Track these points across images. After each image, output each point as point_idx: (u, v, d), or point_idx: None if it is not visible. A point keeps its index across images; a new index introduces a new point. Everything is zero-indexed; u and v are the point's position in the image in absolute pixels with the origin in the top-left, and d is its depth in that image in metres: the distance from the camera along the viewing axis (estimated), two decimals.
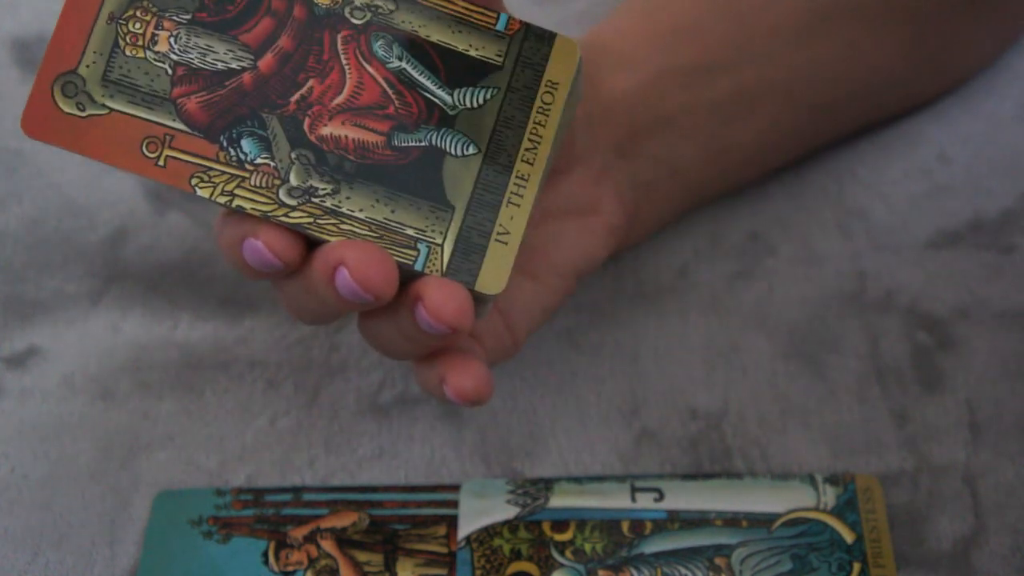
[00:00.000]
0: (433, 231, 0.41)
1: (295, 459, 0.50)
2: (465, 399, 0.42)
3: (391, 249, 0.41)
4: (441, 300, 0.40)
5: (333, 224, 0.41)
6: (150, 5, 0.42)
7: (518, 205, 0.41)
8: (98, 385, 0.52)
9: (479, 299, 0.41)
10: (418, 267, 0.41)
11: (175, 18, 0.42)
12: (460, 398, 0.42)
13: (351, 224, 0.41)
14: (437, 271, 0.41)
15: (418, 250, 0.41)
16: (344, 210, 0.41)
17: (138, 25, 0.41)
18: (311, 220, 0.41)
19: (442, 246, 0.41)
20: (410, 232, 0.41)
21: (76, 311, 0.54)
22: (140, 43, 0.41)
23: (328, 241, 0.41)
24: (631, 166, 0.50)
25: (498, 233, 0.41)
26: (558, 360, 0.52)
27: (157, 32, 0.41)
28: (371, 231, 0.41)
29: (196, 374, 0.52)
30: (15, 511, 0.49)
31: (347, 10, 0.42)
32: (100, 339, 0.53)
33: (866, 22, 0.53)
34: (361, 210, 0.41)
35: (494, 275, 0.41)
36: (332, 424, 0.51)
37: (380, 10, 0.42)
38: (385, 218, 0.41)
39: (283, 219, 0.41)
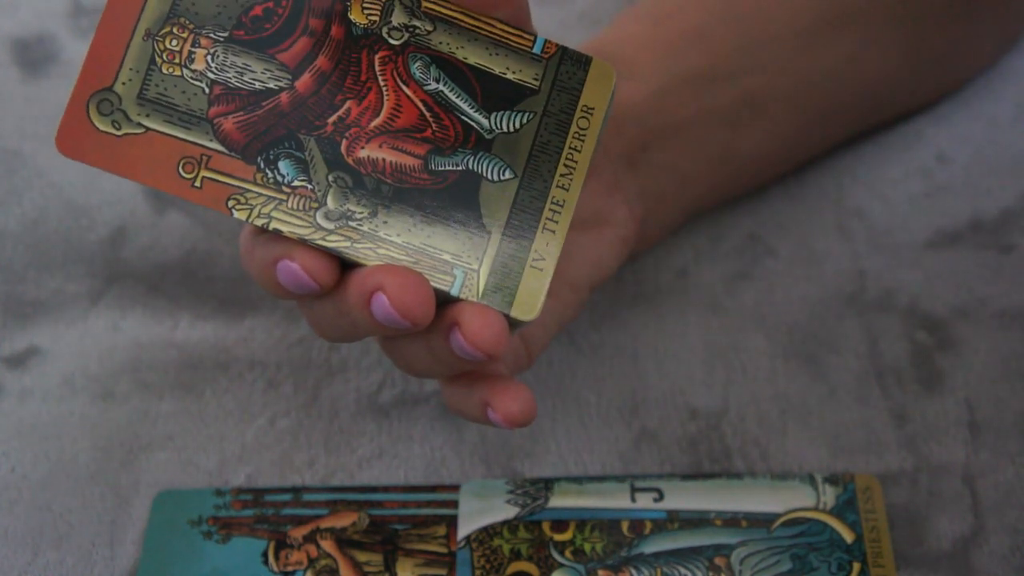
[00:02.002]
0: (469, 256, 0.41)
1: (295, 459, 0.50)
2: (514, 423, 0.42)
3: (427, 274, 0.40)
4: (478, 327, 0.39)
5: (370, 248, 0.40)
6: (187, 22, 0.41)
7: (553, 231, 0.41)
8: (98, 385, 0.52)
9: (512, 324, 0.41)
10: (454, 292, 0.40)
11: (212, 35, 0.41)
12: (509, 423, 0.42)
13: (388, 248, 0.40)
14: (473, 296, 0.40)
15: (454, 275, 0.40)
16: (381, 234, 0.40)
17: (175, 42, 0.41)
18: (348, 244, 0.40)
19: (478, 271, 0.40)
20: (446, 257, 0.40)
21: (76, 311, 0.54)
22: (177, 60, 0.41)
23: (365, 265, 0.40)
24: (640, 176, 0.50)
25: (533, 259, 0.41)
26: (558, 360, 0.52)
27: (194, 50, 0.41)
28: (407, 255, 0.40)
29: (196, 374, 0.52)
30: (15, 511, 0.49)
31: (385, 30, 0.41)
32: (100, 339, 0.53)
33: (870, 26, 0.53)
34: (398, 234, 0.40)
35: (529, 301, 0.40)
36: (332, 424, 0.51)
37: (418, 31, 0.41)
38: (422, 243, 0.40)
39: (320, 243, 0.40)
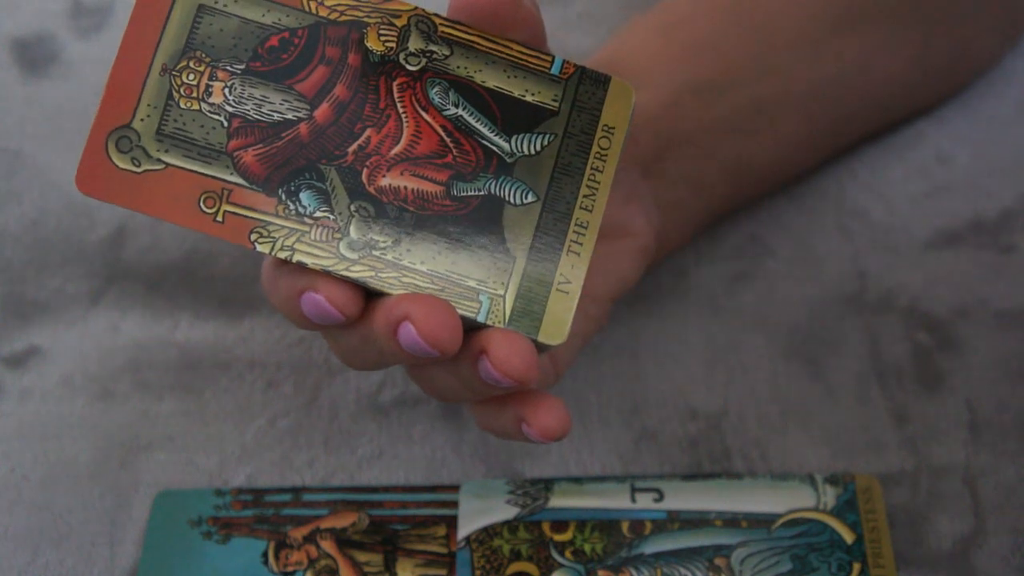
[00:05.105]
0: (495, 282, 0.40)
1: (295, 459, 0.50)
2: (551, 437, 0.41)
3: (453, 301, 0.40)
4: (507, 354, 0.39)
5: (394, 277, 0.40)
6: (203, 55, 0.41)
7: (578, 253, 0.41)
8: (98, 385, 0.52)
9: (539, 348, 0.41)
10: (480, 319, 0.40)
11: (229, 68, 0.41)
12: (546, 437, 0.41)
13: (413, 277, 0.40)
14: (499, 322, 0.40)
15: (480, 302, 0.40)
16: (405, 263, 0.40)
17: (192, 76, 0.41)
18: (372, 274, 0.40)
19: (504, 297, 0.40)
20: (472, 283, 0.40)
21: (76, 311, 0.54)
22: (195, 95, 0.40)
23: (390, 294, 0.40)
24: (656, 185, 0.50)
25: (559, 282, 0.40)
26: None
27: (211, 83, 0.41)
28: (432, 283, 0.40)
29: (196, 374, 0.52)
30: (15, 511, 0.49)
31: (402, 56, 0.41)
32: (100, 339, 0.53)
33: (879, 31, 0.53)
34: (422, 262, 0.40)
35: (556, 325, 0.40)
36: (332, 424, 0.51)
37: (435, 56, 0.41)
38: (446, 270, 0.40)
39: (344, 273, 0.40)
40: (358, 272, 0.40)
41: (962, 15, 0.54)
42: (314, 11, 0.41)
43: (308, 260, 0.40)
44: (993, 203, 0.55)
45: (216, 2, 0.41)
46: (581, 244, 0.41)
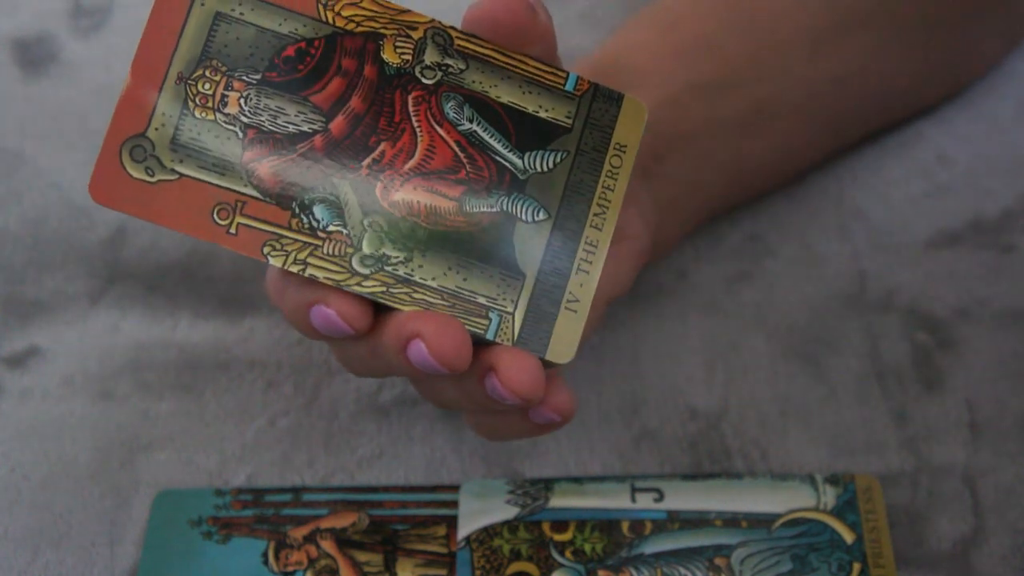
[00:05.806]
0: (504, 299, 0.40)
1: (295, 459, 0.50)
2: (563, 415, 0.41)
3: (463, 318, 0.40)
4: (515, 373, 0.39)
5: (406, 293, 0.40)
6: (219, 64, 0.40)
7: (587, 272, 0.41)
8: (98, 385, 0.52)
9: (546, 366, 0.41)
10: (489, 336, 0.40)
11: (245, 78, 0.40)
12: (556, 415, 0.41)
13: (424, 293, 0.40)
14: (508, 340, 0.40)
15: (489, 319, 0.40)
16: (417, 278, 0.40)
17: (207, 86, 0.40)
18: (384, 289, 0.40)
19: (513, 315, 0.40)
20: (481, 300, 0.40)
21: (76, 311, 0.54)
22: (210, 104, 0.40)
23: (400, 310, 0.40)
24: (654, 186, 0.50)
25: (568, 301, 0.40)
26: None
27: (227, 93, 0.40)
28: (443, 299, 0.40)
29: (196, 374, 0.52)
30: (15, 511, 0.49)
31: (418, 69, 0.41)
32: (100, 339, 0.53)
33: (879, 32, 0.53)
34: (434, 278, 0.40)
35: (564, 344, 0.40)
36: (332, 424, 0.51)
37: (450, 70, 0.41)
38: (457, 286, 0.40)
39: (356, 288, 0.40)
40: (370, 287, 0.40)
41: (964, 17, 0.54)
42: (331, 21, 0.41)
43: (320, 275, 0.40)
44: (993, 203, 0.55)
45: (233, 9, 0.40)
46: (590, 263, 0.41)
